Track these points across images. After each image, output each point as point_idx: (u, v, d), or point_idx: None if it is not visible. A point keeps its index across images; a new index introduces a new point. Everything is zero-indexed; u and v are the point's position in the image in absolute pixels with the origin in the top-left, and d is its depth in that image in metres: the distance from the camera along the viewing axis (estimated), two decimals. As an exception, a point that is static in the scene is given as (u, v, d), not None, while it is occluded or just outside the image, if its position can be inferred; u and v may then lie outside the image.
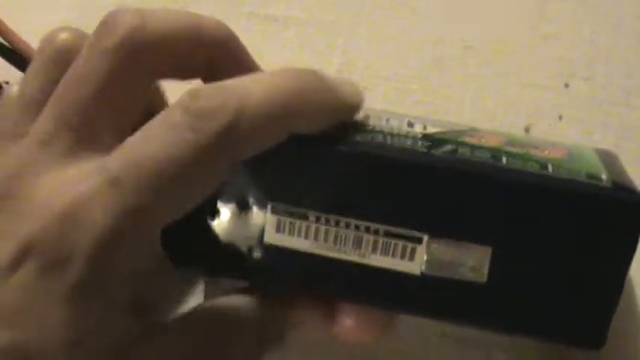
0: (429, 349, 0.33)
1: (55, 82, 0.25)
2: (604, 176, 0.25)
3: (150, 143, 0.23)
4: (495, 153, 0.25)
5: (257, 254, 0.26)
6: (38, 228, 0.23)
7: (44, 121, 0.24)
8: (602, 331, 0.25)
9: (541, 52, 0.35)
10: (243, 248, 0.26)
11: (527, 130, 0.34)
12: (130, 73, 0.24)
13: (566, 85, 0.35)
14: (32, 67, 0.26)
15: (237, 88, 0.23)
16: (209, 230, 0.26)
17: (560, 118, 0.34)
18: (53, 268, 0.22)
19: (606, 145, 0.32)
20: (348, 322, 0.27)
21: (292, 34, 0.36)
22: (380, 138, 0.25)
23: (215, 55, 0.26)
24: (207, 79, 0.26)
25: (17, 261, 0.23)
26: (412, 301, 0.26)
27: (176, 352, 0.25)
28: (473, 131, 0.28)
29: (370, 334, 0.28)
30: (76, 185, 0.23)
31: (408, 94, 0.35)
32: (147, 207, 0.23)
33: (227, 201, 0.26)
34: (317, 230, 0.25)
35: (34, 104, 0.25)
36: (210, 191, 0.24)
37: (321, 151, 0.25)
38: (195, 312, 0.26)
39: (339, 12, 0.36)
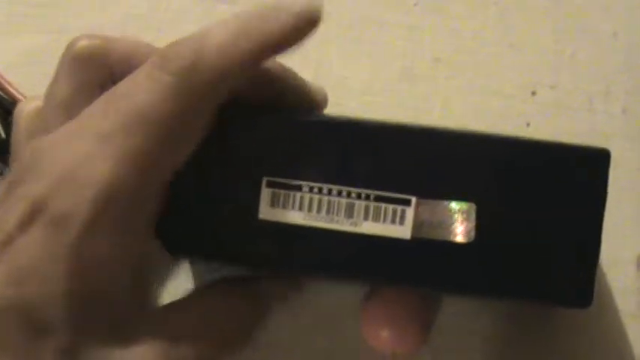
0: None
1: (82, 84, 0.27)
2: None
3: (126, 94, 0.25)
4: None
5: (251, 234, 0.27)
6: (43, 189, 0.24)
7: (96, 116, 0.26)
8: (587, 288, 0.26)
9: (507, 61, 0.36)
10: (238, 229, 0.27)
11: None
12: None
13: (533, 93, 0.36)
14: (58, 72, 0.27)
15: (197, 35, 0.25)
16: (204, 215, 0.27)
17: (528, 125, 0.35)
18: (58, 224, 0.24)
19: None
20: (386, 335, 0.30)
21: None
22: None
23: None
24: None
25: (26, 221, 0.24)
26: (404, 269, 0.26)
27: (179, 328, 0.26)
28: None
29: (406, 345, 0.30)
30: (76, 149, 0.24)
31: (379, 106, 0.36)
32: (138, 149, 0.24)
33: (219, 185, 0.27)
34: (310, 201, 0.26)
35: (63, 105, 0.27)
36: (195, 134, 0.26)
37: (307, 124, 0.27)
38: (196, 292, 0.28)
39: (310, 28, 0.37)
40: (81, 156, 0.24)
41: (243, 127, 0.27)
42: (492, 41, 0.36)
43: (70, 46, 0.27)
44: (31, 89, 0.34)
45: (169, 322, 0.26)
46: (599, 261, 0.26)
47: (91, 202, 0.24)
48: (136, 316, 0.25)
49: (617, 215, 0.33)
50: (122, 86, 0.25)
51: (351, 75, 0.36)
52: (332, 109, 0.31)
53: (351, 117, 0.27)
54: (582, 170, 0.26)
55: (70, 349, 0.24)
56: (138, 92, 0.25)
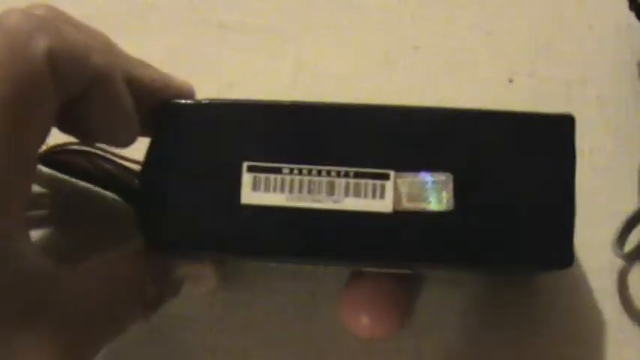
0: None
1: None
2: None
3: None
4: None
5: (234, 220, 0.27)
6: None
7: None
8: (568, 247, 0.26)
9: (485, 49, 0.37)
10: (222, 218, 0.27)
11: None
12: None
13: (510, 81, 0.36)
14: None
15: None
16: (187, 209, 0.27)
17: (506, 112, 0.36)
18: None
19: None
20: (365, 321, 0.31)
21: (246, 39, 0.37)
22: None
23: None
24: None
25: None
26: (387, 244, 0.27)
27: (86, 290, 0.26)
28: None
29: (385, 330, 0.31)
30: None
31: (359, 92, 0.36)
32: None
33: (197, 176, 0.27)
34: (292, 182, 0.27)
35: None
36: (44, 119, 0.24)
37: (280, 108, 0.27)
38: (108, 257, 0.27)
39: (291, 17, 0.37)
40: None
41: (210, 117, 0.27)
42: (470, 29, 0.37)
43: (22, 44, 0.23)
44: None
45: (77, 292, 0.25)
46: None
47: None
48: (49, 292, 0.25)
49: (593, 198, 0.33)
50: None
51: (332, 62, 0.37)
52: (312, 97, 0.31)
53: (322, 101, 0.28)
54: (550, 135, 0.27)
55: None
56: None
